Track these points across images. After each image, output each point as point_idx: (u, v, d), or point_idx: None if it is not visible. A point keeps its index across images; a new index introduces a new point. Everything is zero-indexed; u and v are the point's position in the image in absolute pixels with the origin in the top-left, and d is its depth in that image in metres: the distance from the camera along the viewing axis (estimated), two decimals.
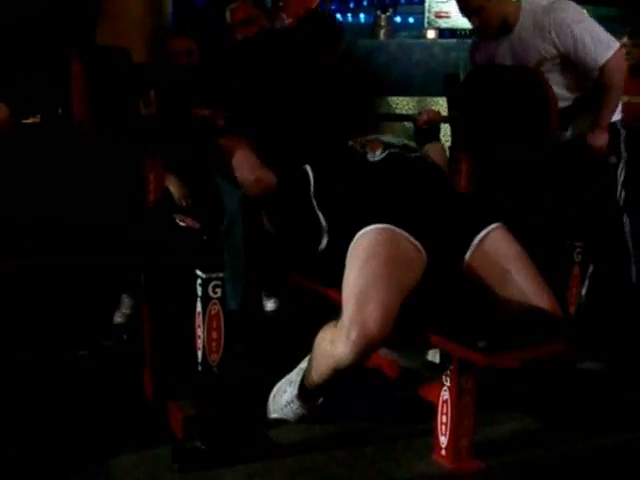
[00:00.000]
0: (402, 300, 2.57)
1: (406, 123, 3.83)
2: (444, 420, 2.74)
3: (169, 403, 2.88)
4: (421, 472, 2.73)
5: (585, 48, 3.74)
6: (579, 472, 2.77)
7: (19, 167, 3.75)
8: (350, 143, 3.00)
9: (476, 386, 2.71)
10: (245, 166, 3.05)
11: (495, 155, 3.49)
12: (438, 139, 3.48)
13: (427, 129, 3.47)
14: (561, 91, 3.80)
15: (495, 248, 2.79)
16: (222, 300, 2.69)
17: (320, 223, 2.90)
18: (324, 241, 2.91)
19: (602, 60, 3.75)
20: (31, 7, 4.03)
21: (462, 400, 2.70)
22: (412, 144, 3.04)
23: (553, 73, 3.81)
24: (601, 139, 3.85)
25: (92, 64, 2.90)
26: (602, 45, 3.75)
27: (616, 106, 3.90)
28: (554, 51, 3.78)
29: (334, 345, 2.60)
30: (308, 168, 2.99)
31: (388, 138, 3.02)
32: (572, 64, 3.77)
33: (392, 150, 2.92)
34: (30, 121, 3.28)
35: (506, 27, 3.82)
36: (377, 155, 2.91)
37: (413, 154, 2.96)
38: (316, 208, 2.91)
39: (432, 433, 2.79)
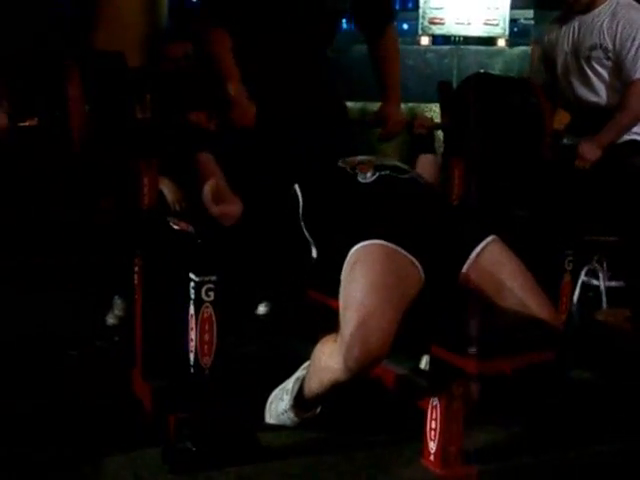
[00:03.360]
0: (401, 315, 2.58)
1: None
2: (433, 426, 2.75)
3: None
4: (410, 477, 2.74)
5: (632, 56, 3.76)
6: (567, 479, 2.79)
7: (16, 169, 3.75)
8: (340, 164, 3.00)
9: (466, 392, 2.73)
10: (211, 198, 3.05)
11: (487, 162, 3.50)
12: (433, 149, 3.48)
13: (421, 137, 3.47)
14: (598, 85, 3.84)
15: (493, 261, 2.79)
16: (215, 303, 2.70)
17: (309, 244, 2.91)
18: (313, 258, 2.92)
19: (635, 76, 3.75)
20: (28, 10, 4.03)
21: (451, 406, 2.71)
22: (403, 165, 3.04)
23: (599, 65, 3.84)
24: (592, 153, 3.83)
25: (88, 68, 2.91)
26: None
27: (624, 129, 3.87)
28: (610, 44, 3.80)
29: (333, 360, 2.61)
30: (297, 189, 2.99)
31: (379, 160, 3.03)
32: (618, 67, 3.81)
33: (383, 172, 2.93)
34: (27, 124, 3.28)
35: (590, 4, 3.88)
36: (368, 177, 2.92)
37: (404, 175, 2.96)
38: (304, 230, 2.92)
39: (421, 439, 2.80)
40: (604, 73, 3.89)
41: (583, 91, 3.95)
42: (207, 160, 3.09)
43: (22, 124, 3.28)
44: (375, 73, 3.76)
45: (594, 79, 3.91)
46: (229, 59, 3.47)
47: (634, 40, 3.79)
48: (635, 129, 3.92)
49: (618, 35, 3.81)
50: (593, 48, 3.87)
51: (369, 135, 4.10)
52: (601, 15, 3.89)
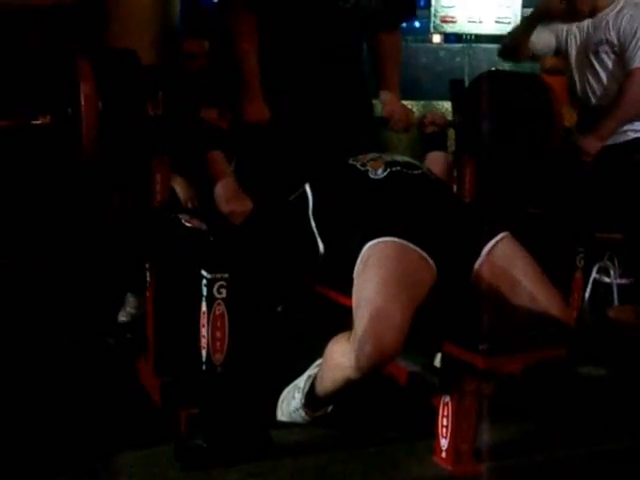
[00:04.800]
0: (414, 312, 2.57)
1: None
2: (445, 423, 2.75)
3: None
4: (421, 474, 2.74)
5: (633, 46, 3.81)
6: (579, 476, 2.79)
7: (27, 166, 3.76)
8: (351, 161, 3.00)
9: (477, 389, 2.73)
10: (222, 197, 3.06)
11: (499, 160, 3.50)
12: (445, 147, 3.48)
13: (433, 134, 3.46)
14: (608, 83, 3.87)
15: (504, 257, 2.78)
16: (227, 300, 2.71)
17: (317, 243, 2.91)
18: (320, 255, 2.91)
19: (634, 64, 3.79)
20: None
21: (463, 403, 2.72)
22: (414, 162, 3.04)
23: (607, 59, 3.89)
24: (592, 146, 3.87)
25: (100, 65, 2.91)
26: None
27: (623, 119, 3.89)
28: (615, 38, 3.85)
29: (346, 357, 2.59)
30: (307, 187, 3.00)
31: (390, 156, 3.03)
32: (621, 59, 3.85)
33: (394, 168, 2.92)
34: (40, 121, 3.28)
35: (593, 10, 3.98)
36: (379, 173, 2.91)
37: (415, 171, 2.96)
38: (313, 227, 2.92)
39: (433, 435, 2.81)
40: (612, 67, 3.94)
41: (594, 86, 4.00)
42: (218, 158, 3.10)
43: (35, 122, 3.29)
44: (379, 65, 3.73)
45: (602, 73, 3.97)
46: (251, 52, 3.42)
47: (636, 33, 3.85)
48: None
49: (622, 29, 3.89)
50: (600, 43, 3.95)
51: (384, 133, 4.10)
52: (607, 14, 3.96)
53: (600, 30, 3.96)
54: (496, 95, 3.48)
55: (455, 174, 3.59)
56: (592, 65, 4.00)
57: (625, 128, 3.94)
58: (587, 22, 4.04)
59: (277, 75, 3.44)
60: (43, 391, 3.22)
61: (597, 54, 3.97)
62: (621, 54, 3.90)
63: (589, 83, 4.03)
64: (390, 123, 3.63)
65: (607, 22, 3.94)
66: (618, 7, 3.96)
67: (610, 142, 3.95)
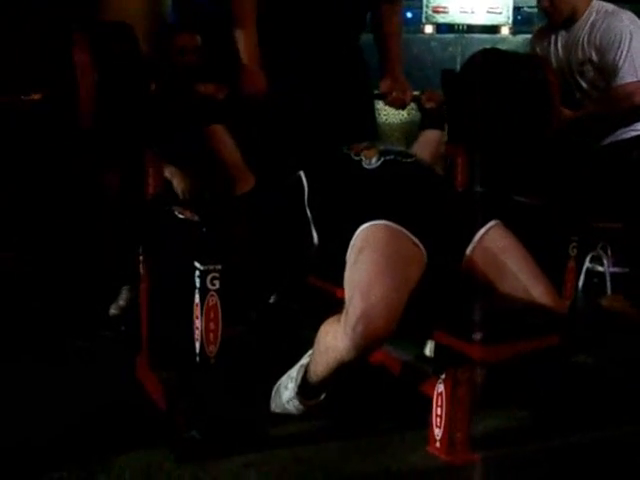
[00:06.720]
0: (405, 293, 2.57)
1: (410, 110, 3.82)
2: (439, 412, 2.76)
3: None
4: (415, 464, 2.74)
5: (611, 64, 3.80)
6: (573, 465, 2.78)
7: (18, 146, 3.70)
8: (345, 150, 3.01)
9: (471, 379, 2.73)
10: (226, 169, 3.06)
11: (492, 146, 3.48)
12: (442, 125, 3.47)
13: (431, 111, 3.46)
14: (593, 93, 3.89)
15: (496, 244, 2.80)
16: (220, 292, 2.71)
17: (312, 234, 2.91)
18: (315, 245, 2.91)
19: (618, 82, 3.80)
20: None
21: (457, 392, 2.72)
22: (407, 151, 3.05)
23: (592, 75, 3.89)
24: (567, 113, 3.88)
25: (96, 37, 2.88)
26: (629, 69, 3.80)
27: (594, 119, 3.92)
28: (595, 56, 3.85)
29: (338, 339, 2.59)
30: (302, 176, 3.00)
31: (383, 145, 3.04)
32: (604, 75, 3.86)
33: (387, 157, 2.94)
34: (31, 98, 3.25)
35: (572, 18, 3.92)
36: (373, 162, 2.92)
37: (409, 159, 2.97)
38: (309, 217, 2.92)
39: (427, 425, 2.81)
40: (594, 79, 3.95)
41: (581, 98, 4.02)
42: (219, 132, 3.09)
43: (26, 97, 3.25)
44: (380, 39, 3.73)
45: (588, 87, 3.98)
46: (250, 23, 3.39)
47: (611, 48, 3.86)
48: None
49: (598, 45, 3.89)
50: (582, 64, 3.96)
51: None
52: (581, 29, 3.95)
53: (579, 50, 3.96)
54: (489, 74, 3.44)
55: (447, 164, 3.59)
56: (578, 83, 4.02)
57: (625, 129, 3.97)
58: (559, 40, 4.04)
59: (276, 56, 3.42)
60: (38, 385, 3.21)
61: (582, 74, 3.97)
62: (602, 68, 3.90)
63: (575, 95, 4.03)
64: (387, 98, 3.64)
65: (584, 40, 3.93)
66: (592, 18, 3.94)
67: (609, 140, 3.98)
